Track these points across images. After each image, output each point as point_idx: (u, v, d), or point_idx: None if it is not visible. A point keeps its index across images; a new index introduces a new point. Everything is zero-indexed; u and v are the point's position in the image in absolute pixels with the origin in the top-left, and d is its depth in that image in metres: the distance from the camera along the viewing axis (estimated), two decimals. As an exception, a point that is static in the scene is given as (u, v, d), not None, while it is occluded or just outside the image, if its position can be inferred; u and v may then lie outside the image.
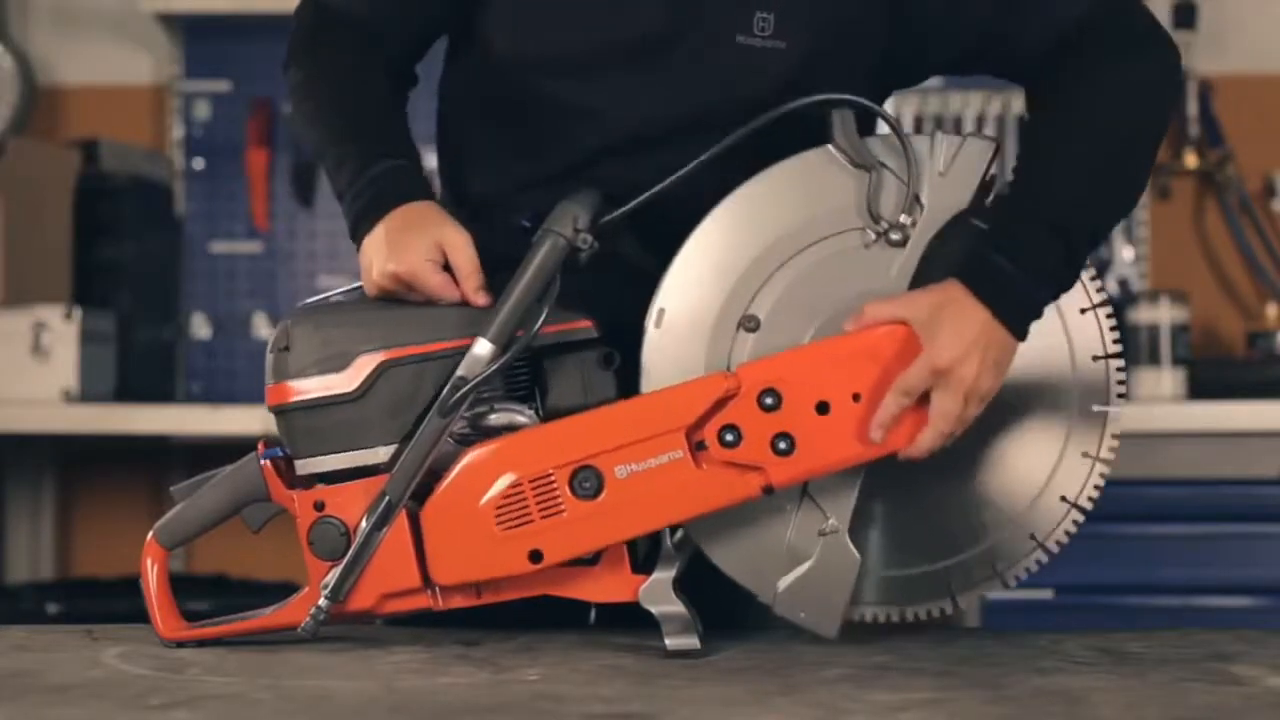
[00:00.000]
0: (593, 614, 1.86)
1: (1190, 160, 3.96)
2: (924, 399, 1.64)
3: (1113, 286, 3.93)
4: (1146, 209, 4.00)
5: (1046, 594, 3.32)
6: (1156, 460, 3.34)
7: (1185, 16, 3.92)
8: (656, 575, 1.67)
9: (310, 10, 1.87)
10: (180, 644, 1.71)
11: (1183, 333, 3.66)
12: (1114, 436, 1.71)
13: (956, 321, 1.63)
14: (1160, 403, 3.58)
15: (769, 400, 1.64)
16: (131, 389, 3.77)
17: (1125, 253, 3.98)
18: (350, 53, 1.83)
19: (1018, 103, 3.96)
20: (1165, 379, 3.62)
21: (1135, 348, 3.64)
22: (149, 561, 1.72)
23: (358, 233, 1.72)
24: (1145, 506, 3.34)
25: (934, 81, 3.98)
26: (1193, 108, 3.95)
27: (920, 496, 1.72)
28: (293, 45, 1.86)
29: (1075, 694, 1.47)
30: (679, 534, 1.68)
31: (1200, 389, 3.58)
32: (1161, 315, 3.66)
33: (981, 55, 1.80)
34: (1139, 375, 3.63)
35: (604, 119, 1.76)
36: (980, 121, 3.95)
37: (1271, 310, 3.80)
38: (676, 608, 1.66)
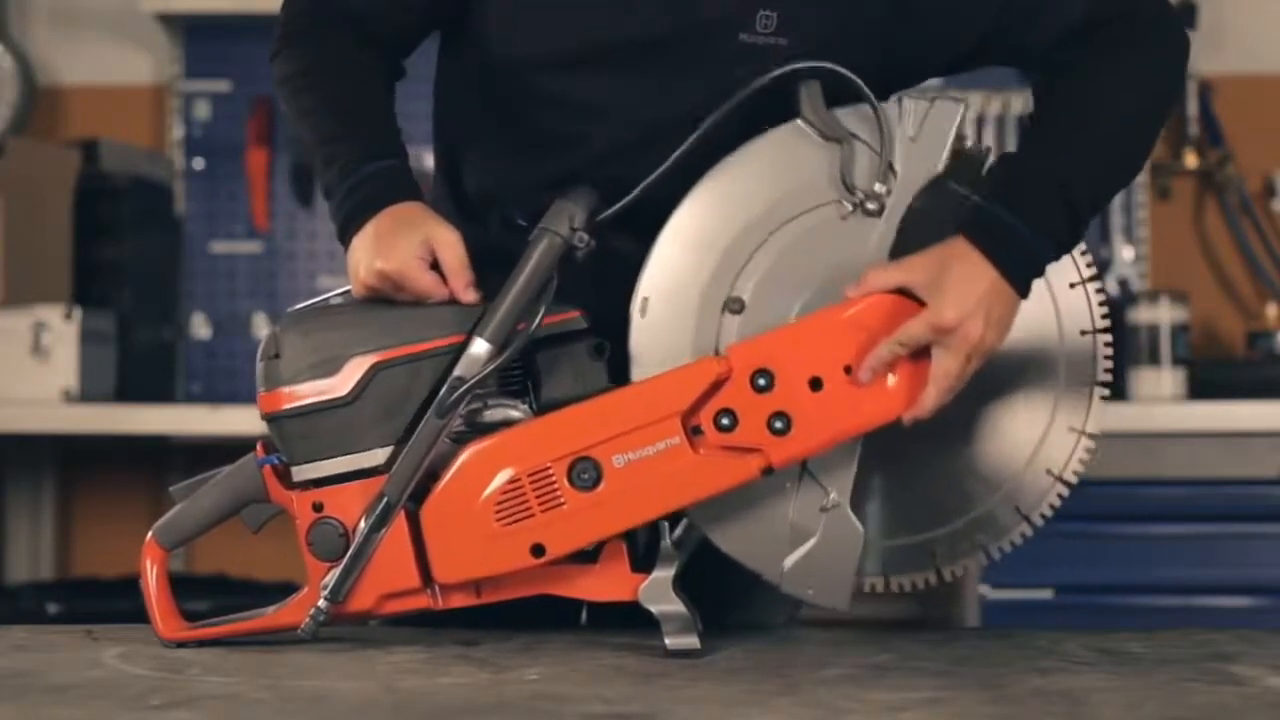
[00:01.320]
0: (584, 615, 1.85)
1: (1190, 160, 3.96)
2: (921, 358, 1.64)
3: (1113, 286, 3.93)
4: (1146, 209, 4.00)
5: (1046, 594, 3.32)
6: (1156, 460, 3.35)
7: (1185, 16, 3.91)
8: (656, 574, 1.67)
9: (301, 0, 1.85)
10: (180, 644, 1.71)
11: (1183, 333, 3.66)
12: (1100, 410, 1.71)
13: (961, 279, 1.63)
14: (1160, 403, 3.58)
15: (761, 381, 1.64)
16: (131, 389, 3.77)
17: (1125, 253, 3.98)
18: (345, 47, 1.81)
19: (1018, 102, 3.96)
20: (1165, 379, 3.62)
21: (1135, 348, 3.64)
22: (149, 562, 1.72)
23: (346, 233, 1.72)
24: (1145, 506, 3.34)
25: (933, 80, 4.01)
26: (1193, 108, 3.95)
27: (907, 467, 1.72)
28: (283, 34, 1.83)
29: (1075, 694, 1.47)
30: (678, 531, 1.68)
31: (1200, 389, 3.58)
32: (1161, 315, 3.66)
33: (985, 55, 1.81)
34: (1139, 375, 3.63)
35: (606, 119, 1.76)
36: (980, 121, 3.94)
37: (1271, 310, 3.80)
38: (676, 607, 1.66)
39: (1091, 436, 1.72)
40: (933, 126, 1.66)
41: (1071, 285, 1.71)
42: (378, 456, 1.67)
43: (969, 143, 1.70)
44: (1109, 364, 1.72)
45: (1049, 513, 1.72)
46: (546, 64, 1.77)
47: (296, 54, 1.82)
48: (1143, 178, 3.98)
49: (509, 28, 1.78)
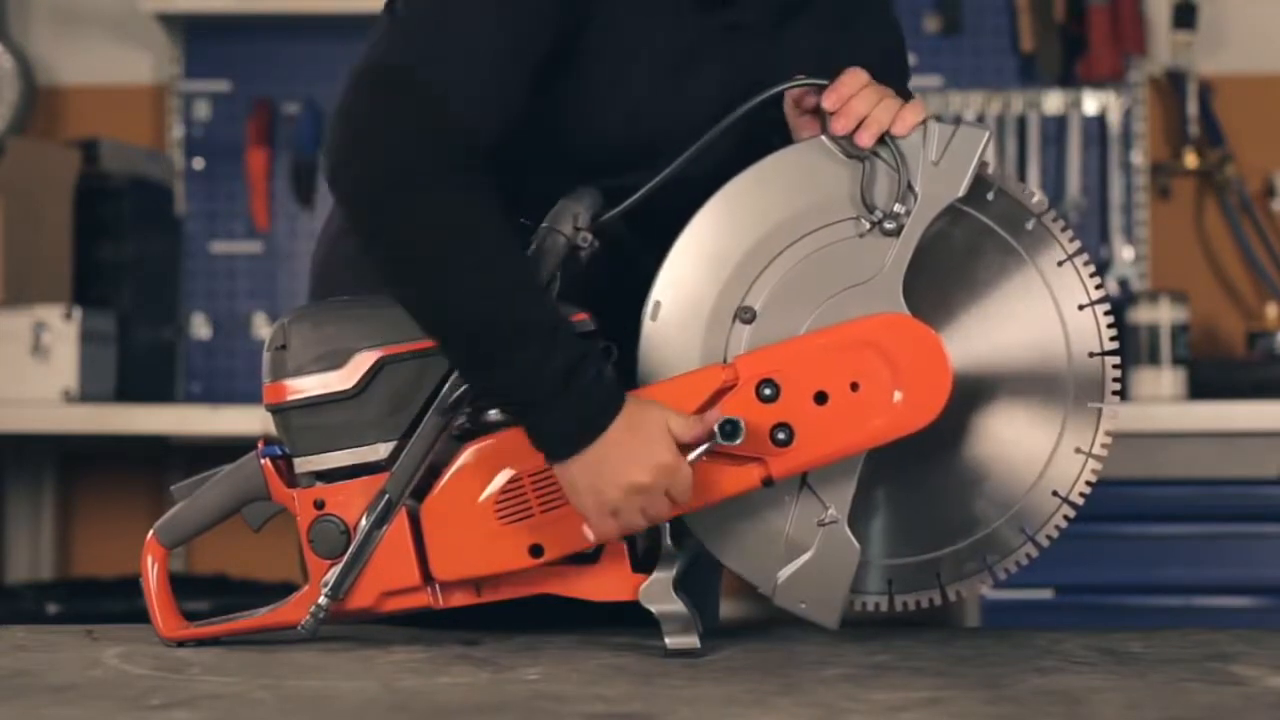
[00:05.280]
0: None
1: (1190, 160, 3.96)
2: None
3: (1113, 286, 3.93)
4: (1146, 209, 4.00)
5: (1046, 594, 3.32)
6: (1156, 460, 3.35)
7: (1185, 16, 3.92)
8: (657, 575, 1.67)
9: (411, 113, 1.59)
10: (180, 643, 1.71)
11: (1183, 333, 3.66)
12: (1108, 433, 1.71)
13: None
14: (1160, 403, 3.58)
15: (767, 391, 1.64)
16: (131, 389, 3.77)
17: (1125, 253, 3.98)
18: (479, 194, 1.61)
19: (1018, 102, 3.96)
20: (1165, 379, 3.62)
21: (1135, 348, 3.64)
22: (149, 560, 1.73)
23: (578, 441, 1.59)
24: (1145, 506, 3.34)
25: (934, 81, 4.02)
26: (1193, 108, 3.95)
27: (913, 486, 1.72)
28: (400, 161, 1.58)
29: (1075, 694, 1.47)
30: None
31: (1200, 389, 3.58)
32: (1161, 315, 3.66)
33: None
34: (1139, 375, 3.64)
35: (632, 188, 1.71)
36: (980, 121, 3.94)
37: (1271, 310, 3.80)
38: (677, 607, 1.66)
39: (1098, 458, 1.71)
40: (956, 151, 1.66)
41: (1080, 307, 1.71)
42: (380, 451, 1.67)
43: (990, 169, 1.70)
44: (1117, 386, 1.71)
45: (1054, 534, 1.71)
46: (597, 158, 1.72)
47: (426, 201, 1.59)
48: (1143, 178, 3.99)
49: (571, 121, 1.72)
